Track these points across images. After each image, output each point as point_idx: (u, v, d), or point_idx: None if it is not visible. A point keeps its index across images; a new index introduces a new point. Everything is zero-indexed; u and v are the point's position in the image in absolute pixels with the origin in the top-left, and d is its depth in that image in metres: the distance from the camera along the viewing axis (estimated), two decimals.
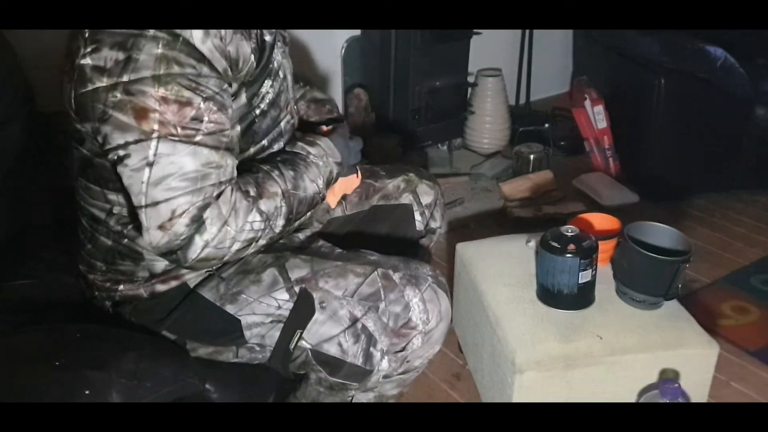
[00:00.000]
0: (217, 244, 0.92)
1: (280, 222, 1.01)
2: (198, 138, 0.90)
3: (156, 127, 0.87)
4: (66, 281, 1.21)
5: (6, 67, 1.34)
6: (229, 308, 1.05)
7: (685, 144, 2.35)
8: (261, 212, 0.97)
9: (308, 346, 1.05)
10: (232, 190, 0.94)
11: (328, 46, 2.54)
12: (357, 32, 2.59)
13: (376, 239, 1.32)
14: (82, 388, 0.87)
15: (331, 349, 1.04)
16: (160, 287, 1.07)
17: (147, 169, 0.88)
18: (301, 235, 1.22)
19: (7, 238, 1.27)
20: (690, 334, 1.25)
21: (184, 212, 0.89)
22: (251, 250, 0.99)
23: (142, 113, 0.87)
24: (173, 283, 1.08)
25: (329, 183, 1.11)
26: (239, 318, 1.05)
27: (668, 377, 1.20)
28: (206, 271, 1.08)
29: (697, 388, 1.24)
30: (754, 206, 2.46)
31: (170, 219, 0.89)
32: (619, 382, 1.22)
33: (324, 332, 1.03)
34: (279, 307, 1.04)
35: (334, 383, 1.08)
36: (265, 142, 1.10)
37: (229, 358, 1.09)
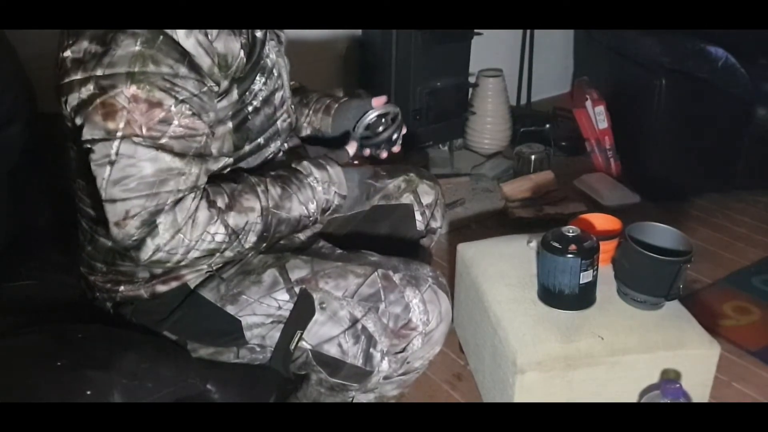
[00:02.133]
0: (170, 250, 0.91)
1: (252, 238, 0.99)
2: (163, 141, 0.89)
3: (121, 125, 0.87)
4: (67, 282, 1.21)
5: (8, 67, 1.34)
6: (230, 309, 1.05)
7: (686, 144, 2.35)
8: (227, 225, 0.95)
9: (308, 347, 1.05)
10: (193, 198, 0.92)
11: (330, 47, 2.54)
12: (358, 32, 2.59)
13: (376, 239, 1.32)
14: (83, 389, 0.87)
15: (331, 350, 1.04)
16: (161, 288, 1.08)
17: (108, 167, 0.88)
18: (302, 236, 1.22)
19: (9, 239, 1.28)
20: (691, 335, 1.25)
21: (135, 215, 0.89)
22: (216, 259, 0.98)
23: (110, 110, 0.87)
24: (173, 284, 1.08)
25: (326, 211, 1.08)
26: (240, 318, 1.05)
27: (669, 377, 1.20)
28: (206, 272, 1.08)
29: (699, 389, 1.24)
30: (755, 206, 2.46)
31: (124, 218, 0.89)
32: (620, 383, 1.22)
33: (324, 333, 1.03)
34: (279, 308, 1.04)
35: (334, 384, 1.08)
36: (260, 140, 1.10)
37: (230, 358, 1.09)
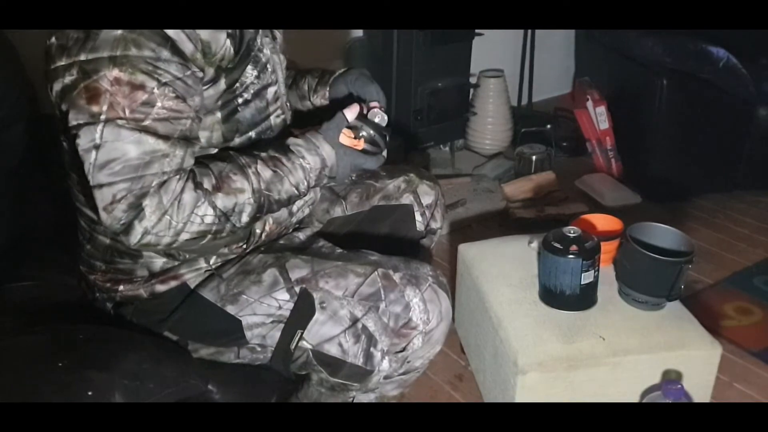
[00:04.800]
0: (158, 232, 0.91)
1: (244, 218, 0.98)
2: (146, 123, 0.89)
3: (105, 109, 0.87)
4: (68, 282, 1.21)
5: (10, 68, 1.34)
6: (230, 309, 1.06)
7: (687, 145, 2.35)
8: (215, 207, 0.94)
9: (309, 347, 1.05)
10: (178, 179, 0.92)
11: (331, 47, 2.55)
12: (359, 33, 2.59)
13: (376, 239, 1.32)
14: (84, 389, 0.87)
15: (332, 350, 1.04)
16: (160, 287, 1.08)
17: (94, 152, 0.88)
18: (302, 235, 1.22)
19: (10, 239, 1.28)
20: (693, 335, 1.24)
21: (122, 198, 0.89)
22: (208, 241, 0.97)
23: (93, 93, 0.87)
24: (173, 284, 1.08)
25: (315, 186, 1.07)
26: (240, 318, 1.05)
27: (671, 378, 1.20)
28: (206, 271, 1.09)
29: (700, 389, 1.23)
30: (757, 207, 2.45)
31: (111, 203, 0.89)
32: (621, 383, 1.21)
33: (324, 332, 1.03)
34: (280, 308, 1.04)
35: (335, 384, 1.08)
36: (252, 134, 1.09)
37: (231, 358, 1.09)
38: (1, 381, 0.88)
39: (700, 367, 1.23)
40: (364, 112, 1.11)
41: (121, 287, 1.09)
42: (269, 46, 1.11)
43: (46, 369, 0.90)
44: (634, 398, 1.22)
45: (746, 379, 1.61)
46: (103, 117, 0.87)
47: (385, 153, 1.11)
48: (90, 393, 0.87)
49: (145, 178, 0.89)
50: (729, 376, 1.60)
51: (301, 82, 1.30)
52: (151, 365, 0.96)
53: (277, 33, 1.17)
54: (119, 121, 0.87)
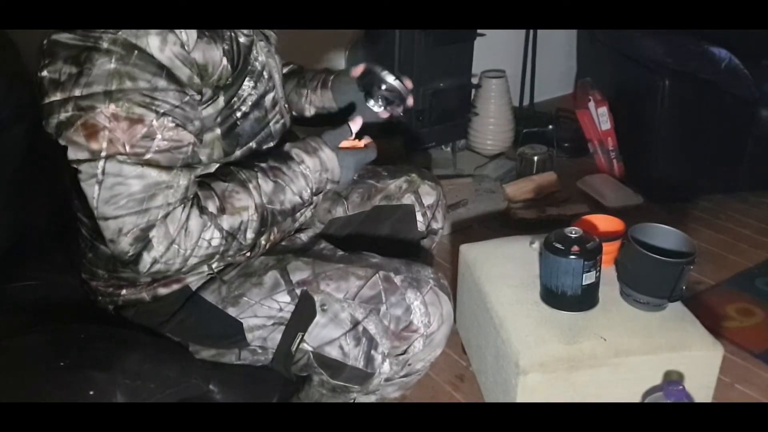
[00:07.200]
0: (167, 261, 0.91)
1: (249, 235, 0.98)
2: (148, 156, 0.88)
3: (104, 145, 0.86)
4: (69, 282, 1.21)
5: (11, 68, 1.34)
6: (231, 311, 1.05)
7: (689, 145, 2.35)
8: (221, 229, 0.94)
9: (310, 349, 1.05)
10: (183, 208, 0.92)
11: (332, 47, 2.55)
12: (361, 33, 2.59)
13: (377, 240, 1.32)
14: (86, 389, 0.87)
15: (333, 352, 1.04)
16: (162, 290, 1.08)
17: (96, 187, 0.88)
18: (303, 237, 1.22)
19: (12, 239, 1.28)
20: (694, 336, 1.24)
21: (128, 232, 0.89)
22: (216, 263, 0.98)
23: (91, 130, 0.86)
24: (175, 286, 1.08)
25: (320, 193, 1.07)
26: (241, 320, 1.05)
27: (672, 379, 1.20)
28: (207, 274, 1.09)
29: (702, 390, 1.23)
30: (759, 208, 2.45)
31: (118, 236, 0.89)
32: (623, 384, 1.21)
33: (325, 335, 1.03)
34: (280, 310, 1.04)
35: (336, 385, 1.08)
36: (253, 144, 1.08)
37: (232, 360, 1.09)
38: (2, 381, 0.89)
39: (701, 368, 1.23)
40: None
41: (123, 291, 1.09)
42: (264, 50, 1.10)
43: (47, 369, 0.90)
44: (636, 399, 1.22)
45: (748, 381, 1.61)
46: (103, 154, 0.87)
47: (410, 100, 1.20)
48: (91, 392, 0.87)
49: (151, 211, 0.89)
50: (730, 377, 1.60)
51: (306, 73, 1.31)
52: (152, 365, 0.96)
53: (270, 33, 1.16)
54: (119, 157, 0.87)
